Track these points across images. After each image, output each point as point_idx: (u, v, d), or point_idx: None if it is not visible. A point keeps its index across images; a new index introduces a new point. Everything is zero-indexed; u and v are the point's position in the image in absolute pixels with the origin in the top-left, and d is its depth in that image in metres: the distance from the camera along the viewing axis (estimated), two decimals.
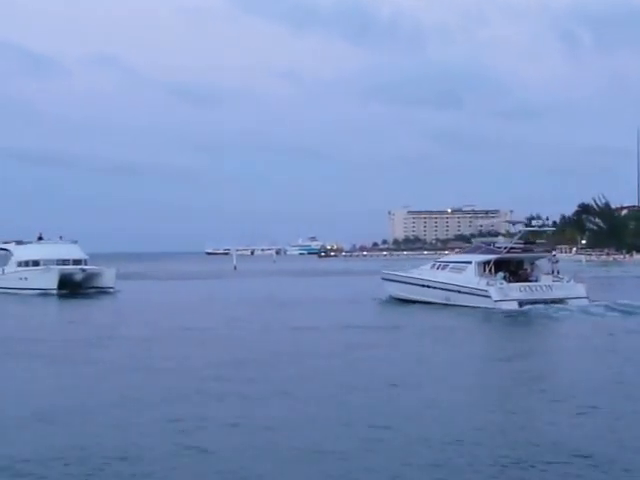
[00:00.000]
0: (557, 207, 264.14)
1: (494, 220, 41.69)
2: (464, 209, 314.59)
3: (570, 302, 35.60)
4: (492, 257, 37.39)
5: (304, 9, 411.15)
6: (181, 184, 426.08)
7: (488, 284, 35.90)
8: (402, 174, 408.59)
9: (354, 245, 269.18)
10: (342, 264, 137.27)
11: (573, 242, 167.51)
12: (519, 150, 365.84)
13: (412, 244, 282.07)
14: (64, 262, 55.02)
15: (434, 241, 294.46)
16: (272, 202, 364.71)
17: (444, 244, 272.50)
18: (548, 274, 37.78)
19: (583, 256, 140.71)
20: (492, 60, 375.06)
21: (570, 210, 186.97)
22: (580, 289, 36.84)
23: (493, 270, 37.14)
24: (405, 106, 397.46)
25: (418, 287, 39.49)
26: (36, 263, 54.84)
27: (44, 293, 50.66)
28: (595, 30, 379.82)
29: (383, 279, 43.74)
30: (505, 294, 35.45)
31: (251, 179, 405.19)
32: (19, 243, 58.58)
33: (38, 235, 60.04)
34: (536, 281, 37.13)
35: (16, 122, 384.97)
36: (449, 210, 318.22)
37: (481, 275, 37.00)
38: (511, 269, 37.82)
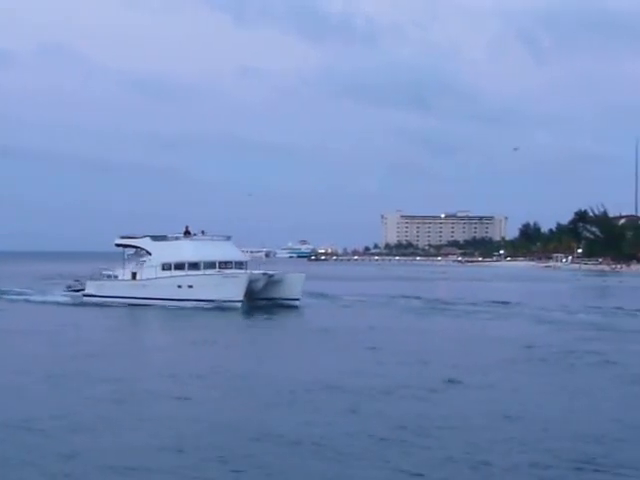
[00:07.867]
0: (554, 214, 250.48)
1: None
2: (458, 215, 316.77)
3: None
4: None
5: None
6: (157, 183, 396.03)
7: None
8: (389, 177, 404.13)
9: (345, 249, 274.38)
10: (327, 268, 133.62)
11: (570, 250, 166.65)
12: (499, 155, 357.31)
13: (404, 249, 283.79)
14: (226, 265, 44.59)
15: (427, 247, 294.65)
16: (258, 204, 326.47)
17: (437, 250, 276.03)
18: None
19: (578, 265, 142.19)
20: (451, 60, 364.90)
21: (567, 218, 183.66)
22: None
23: None
24: (369, 106, 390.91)
25: None
26: (194, 266, 43.92)
27: (218, 306, 40.52)
28: (554, 31, 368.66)
29: None
30: None
31: (231, 180, 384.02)
32: (157, 239, 46.13)
33: (184, 229, 47.20)
34: None
35: None
36: (443, 215, 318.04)
37: None
38: None
